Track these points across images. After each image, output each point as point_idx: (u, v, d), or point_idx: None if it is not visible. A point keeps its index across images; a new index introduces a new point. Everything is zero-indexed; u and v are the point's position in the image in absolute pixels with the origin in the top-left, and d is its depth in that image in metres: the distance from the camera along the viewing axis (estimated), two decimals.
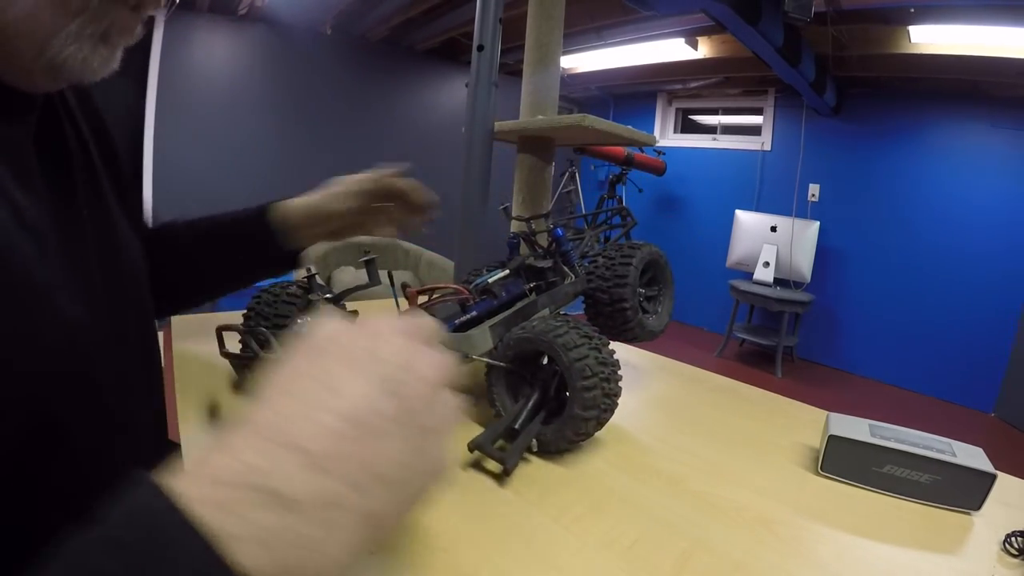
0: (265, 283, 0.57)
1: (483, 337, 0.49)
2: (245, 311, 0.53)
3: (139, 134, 0.47)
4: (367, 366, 0.20)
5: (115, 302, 0.37)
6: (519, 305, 0.57)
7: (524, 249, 0.70)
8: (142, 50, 2.68)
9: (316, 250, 2.52)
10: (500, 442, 0.44)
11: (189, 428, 0.45)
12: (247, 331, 0.47)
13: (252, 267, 0.60)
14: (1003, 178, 2.78)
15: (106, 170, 0.41)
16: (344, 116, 3.37)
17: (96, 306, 0.34)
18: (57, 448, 0.29)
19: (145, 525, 0.15)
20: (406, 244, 2.68)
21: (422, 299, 0.52)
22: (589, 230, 0.73)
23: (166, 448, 0.50)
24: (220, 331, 0.50)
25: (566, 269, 0.62)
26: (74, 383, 0.30)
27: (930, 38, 2.38)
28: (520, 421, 0.45)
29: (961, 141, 2.92)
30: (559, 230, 0.63)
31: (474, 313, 0.55)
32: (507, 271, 0.62)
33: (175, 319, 0.69)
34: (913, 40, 2.43)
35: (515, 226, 0.87)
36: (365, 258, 0.51)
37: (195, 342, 0.64)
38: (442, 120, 3.77)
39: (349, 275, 2.26)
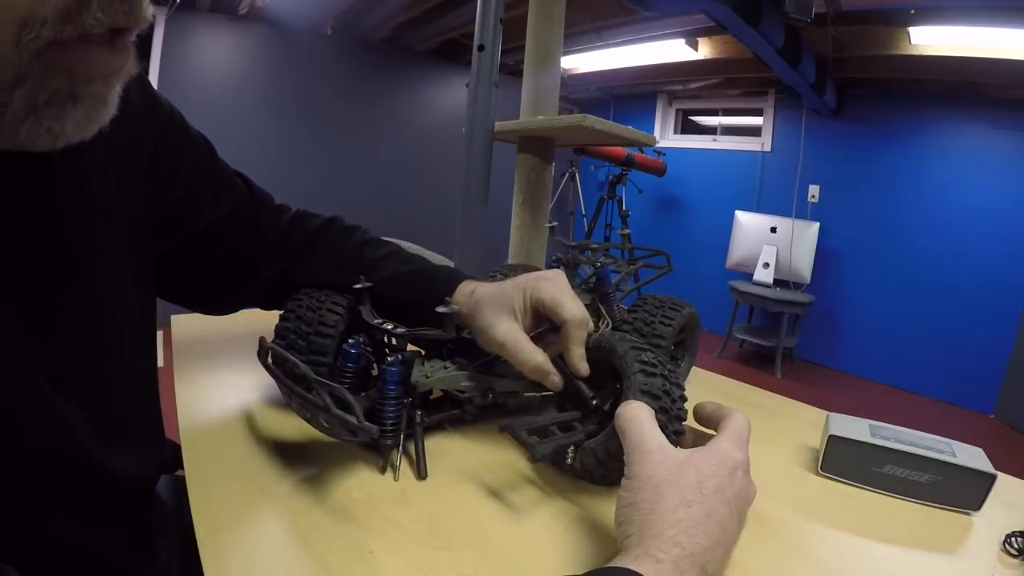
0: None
1: (511, 384, 0.45)
2: (283, 314, 0.46)
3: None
4: (733, 504, 0.29)
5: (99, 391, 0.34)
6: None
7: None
8: (142, 50, 2.68)
9: None
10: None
11: (189, 428, 0.45)
12: (320, 381, 0.35)
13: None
14: (1003, 179, 2.79)
15: (111, 233, 0.35)
16: (344, 116, 3.37)
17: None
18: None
19: None
20: (406, 244, 2.66)
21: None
22: (625, 264, 0.71)
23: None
24: (267, 348, 0.40)
25: (603, 311, 0.60)
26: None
27: (930, 39, 2.39)
28: (560, 423, 0.41)
29: (961, 142, 2.92)
30: (606, 270, 0.61)
31: None
32: None
33: (174, 318, 0.69)
34: (913, 41, 2.43)
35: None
36: (446, 309, 0.41)
37: (195, 341, 0.64)
38: (442, 120, 3.77)
39: None
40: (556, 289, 0.43)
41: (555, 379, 0.41)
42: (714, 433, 0.36)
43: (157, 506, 0.49)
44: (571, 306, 0.42)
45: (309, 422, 0.37)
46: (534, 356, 0.41)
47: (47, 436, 0.29)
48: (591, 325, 0.44)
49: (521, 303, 0.43)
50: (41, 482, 0.29)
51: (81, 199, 0.32)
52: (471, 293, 0.46)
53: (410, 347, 0.46)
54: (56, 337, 0.30)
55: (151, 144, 0.40)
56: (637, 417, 0.33)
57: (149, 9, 0.24)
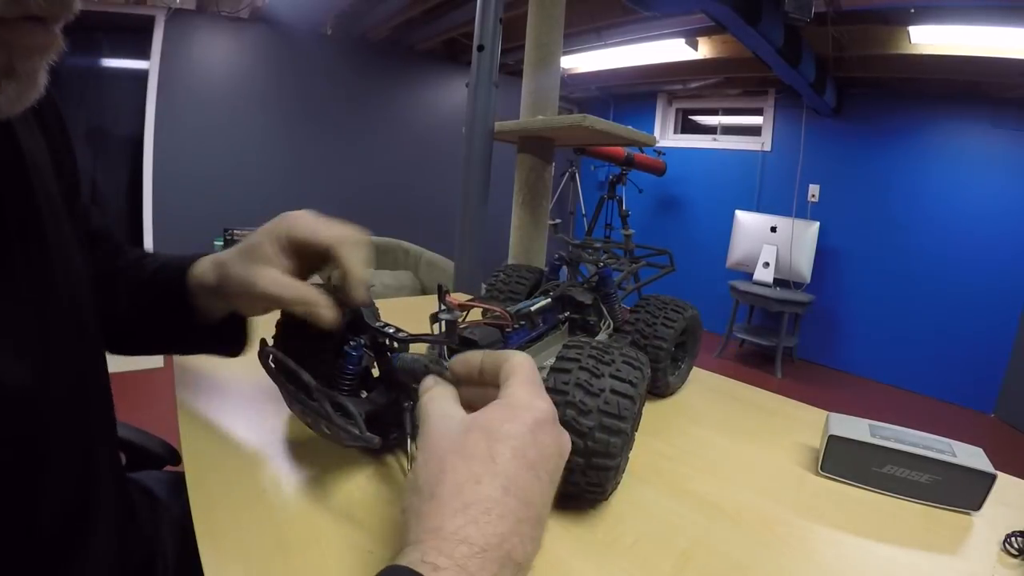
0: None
1: None
2: (280, 319, 0.44)
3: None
4: (541, 469, 0.24)
5: (64, 348, 0.31)
6: (549, 340, 0.54)
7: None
8: (141, 50, 2.68)
9: None
10: None
11: (190, 434, 0.45)
12: (321, 390, 0.34)
13: (175, 335, 0.46)
14: (1003, 178, 2.79)
15: (60, 183, 0.35)
16: (344, 116, 3.37)
17: (43, 362, 0.28)
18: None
19: None
20: (406, 244, 2.68)
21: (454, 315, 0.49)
22: (628, 262, 0.71)
23: (124, 487, 0.44)
24: (268, 352, 0.39)
25: (605, 311, 0.59)
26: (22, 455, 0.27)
27: (930, 38, 2.39)
28: None
29: (961, 141, 2.92)
30: (608, 270, 0.61)
31: (512, 347, 0.51)
32: (550, 299, 0.57)
33: None
34: (913, 40, 2.44)
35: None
36: (448, 316, 0.40)
37: None
38: (442, 120, 3.77)
39: None
40: (310, 219, 0.38)
41: (326, 312, 0.35)
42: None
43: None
44: (334, 228, 0.37)
45: (310, 427, 0.37)
46: (295, 287, 0.36)
47: None
48: (367, 240, 0.37)
49: (273, 248, 0.37)
50: None
51: (19, 151, 0.30)
52: (213, 261, 0.41)
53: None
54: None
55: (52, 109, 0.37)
56: (426, 390, 0.30)
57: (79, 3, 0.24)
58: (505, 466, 0.23)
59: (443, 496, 0.22)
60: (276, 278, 0.36)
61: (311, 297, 0.35)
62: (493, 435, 0.24)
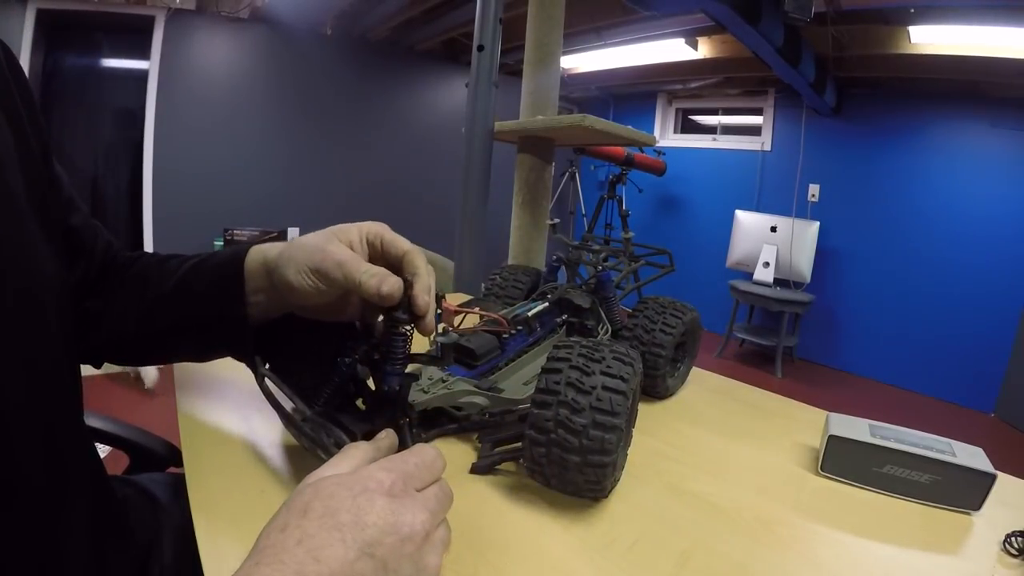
0: None
1: (526, 390, 0.45)
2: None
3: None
4: (348, 532, 0.23)
5: (12, 351, 0.30)
6: (547, 346, 0.54)
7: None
8: (141, 50, 2.68)
9: None
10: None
11: (190, 434, 0.45)
12: (318, 420, 0.35)
13: (215, 343, 0.44)
14: (1003, 178, 2.78)
15: (26, 177, 0.33)
16: (344, 116, 3.37)
17: None
18: None
19: None
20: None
21: (455, 318, 0.48)
22: (628, 262, 0.70)
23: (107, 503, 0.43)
24: (263, 375, 0.39)
25: (603, 315, 0.59)
26: None
27: (930, 38, 2.39)
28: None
29: (961, 141, 2.92)
30: (607, 273, 0.60)
31: (510, 354, 0.51)
32: (547, 303, 0.57)
33: None
34: (913, 40, 2.43)
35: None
36: (444, 339, 0.40)
37: None
38: (442, 120, 3.77)
39: None
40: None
41: (392, 280, 0.35)
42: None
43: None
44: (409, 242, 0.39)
45: (306, 448, 0.36)
46: (366, 263, 0.36)
47: None
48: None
49: (358, 237, 0.38)
50: None
51: None
52: (274, 245, 0.40)
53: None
54: None
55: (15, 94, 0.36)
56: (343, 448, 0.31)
57: None
58: (310, 521, 0.24)
59: (259, 538, 0.24)
60: (349, 252, 0.36)
61: (380, 270, 0.35)
62: (319, 493, 0.25)
